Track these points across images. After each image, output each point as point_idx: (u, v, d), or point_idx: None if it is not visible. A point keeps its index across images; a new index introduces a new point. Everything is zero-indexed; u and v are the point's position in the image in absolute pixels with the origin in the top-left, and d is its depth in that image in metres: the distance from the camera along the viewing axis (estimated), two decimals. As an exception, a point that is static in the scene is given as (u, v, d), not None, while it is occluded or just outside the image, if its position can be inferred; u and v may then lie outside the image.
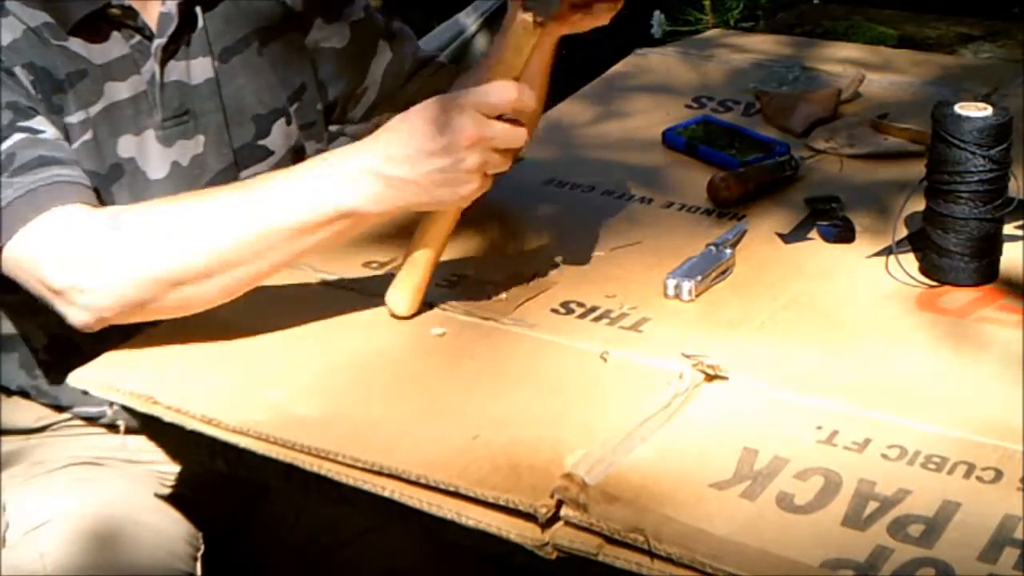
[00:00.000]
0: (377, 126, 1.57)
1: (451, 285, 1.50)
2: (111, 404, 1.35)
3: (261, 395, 1.31)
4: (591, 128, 1.98)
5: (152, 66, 1.50)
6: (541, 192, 1.77)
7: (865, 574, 1.05)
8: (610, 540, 1.10)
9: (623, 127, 1.97)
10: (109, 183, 1.49)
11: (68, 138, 1.45)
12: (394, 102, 1.66)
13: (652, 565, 1.08)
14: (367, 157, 1.30)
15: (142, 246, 1.32)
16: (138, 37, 1.51)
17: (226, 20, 1.57)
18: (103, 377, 1.35)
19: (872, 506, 1.12)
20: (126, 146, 1.50)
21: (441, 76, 1.74)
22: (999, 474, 1.16)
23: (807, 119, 1.90)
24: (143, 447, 1.52)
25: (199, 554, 1.55)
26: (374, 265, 1.54)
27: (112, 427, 1.55)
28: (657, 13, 3.58)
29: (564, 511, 1.12)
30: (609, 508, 1.12)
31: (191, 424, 1.28)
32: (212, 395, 1.32)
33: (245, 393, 1.32)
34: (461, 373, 1.36)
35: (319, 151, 1.66)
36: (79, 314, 1.34)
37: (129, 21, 1.49)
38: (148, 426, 1.34)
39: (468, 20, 3.00)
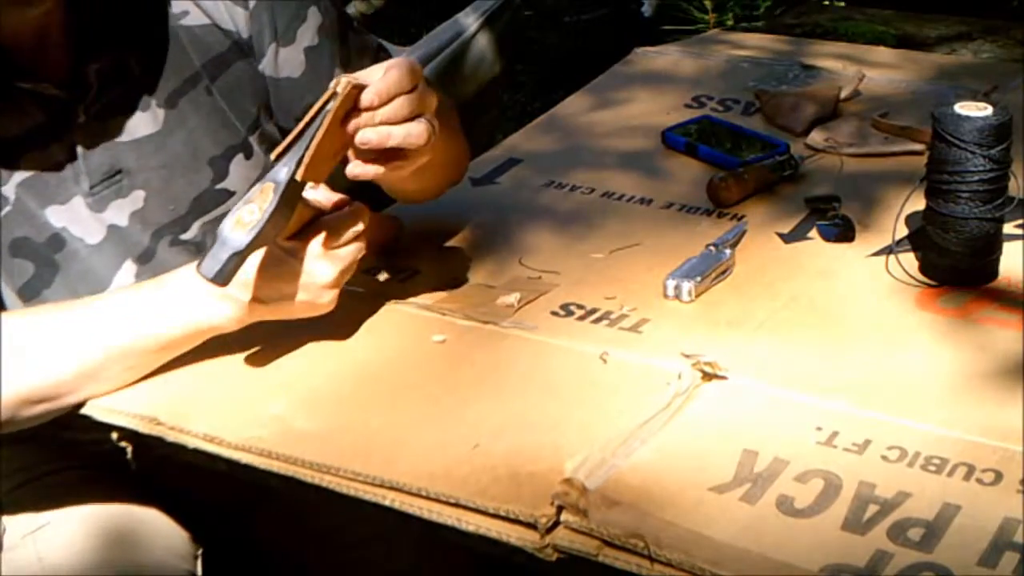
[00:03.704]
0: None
1: (450, 288, 1.50)
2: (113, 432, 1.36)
3: (262, 408, 1.31)
4: (590, 127, 1.97)
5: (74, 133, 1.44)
6: (540, 193, 1.76)
7: (865, 579, 1.05)
8: (610, 544, 1.10)
9: (622, 126, 1.96)
10: (52, 252, 1.45)
11: None
12: None
13: (652, 568, 1.08)
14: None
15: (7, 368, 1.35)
16: (58, 105, 1.43)
17: (169, 63, 1.49)
18: (105, 401, 1.35)
19: (872, 509, 1.12)
20: (56, 216, 1.45)
21: None
22: (999, 476, 1.16)
23: (807, 118, 1.89)
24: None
25: (199, 553, 1.54)
26: (373, 270, 1.54)
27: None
28: None
29: (564, 516, 1.11)
30: (609, 513, 1.11)
31: (193, 443, 1.28)
32: (213, 410, 1.32)
33: (246, 407, 1.32)
34: (461, 380, 1.35)
35: None
36: None
37: (43, 92, 1.42)
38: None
39: (468, 20, 2.98)
